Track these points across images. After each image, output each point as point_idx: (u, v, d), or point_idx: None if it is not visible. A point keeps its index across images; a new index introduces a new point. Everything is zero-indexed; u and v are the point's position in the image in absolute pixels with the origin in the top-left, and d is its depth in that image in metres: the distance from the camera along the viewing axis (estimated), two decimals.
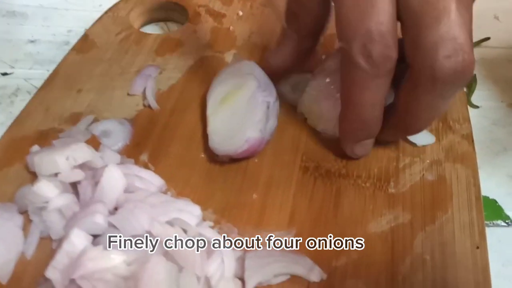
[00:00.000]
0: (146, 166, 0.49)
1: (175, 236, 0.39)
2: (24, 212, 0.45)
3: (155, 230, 0.39)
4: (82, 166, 0.46)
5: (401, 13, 0.38)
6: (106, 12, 0.68)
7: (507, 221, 0.48)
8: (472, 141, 0.51)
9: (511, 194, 0.51)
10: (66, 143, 0.46)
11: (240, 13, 0.68)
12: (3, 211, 0.43)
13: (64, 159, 0.43)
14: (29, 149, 0.49)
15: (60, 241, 0.41)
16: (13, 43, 0.70)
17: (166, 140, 0.52)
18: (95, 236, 0.41)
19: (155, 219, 0.40)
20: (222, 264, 0.39)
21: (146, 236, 0.39)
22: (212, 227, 0.44)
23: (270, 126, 0.49)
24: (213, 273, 0.38)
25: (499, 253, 0.46)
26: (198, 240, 0.40)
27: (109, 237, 0.40)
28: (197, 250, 0.38)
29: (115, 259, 0.38)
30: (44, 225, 0.43)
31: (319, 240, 0.43)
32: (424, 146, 0.51)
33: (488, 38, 0.68)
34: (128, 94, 0.57)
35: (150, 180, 0.45)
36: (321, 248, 0.43)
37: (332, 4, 0.41)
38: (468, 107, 0.57)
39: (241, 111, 0.48)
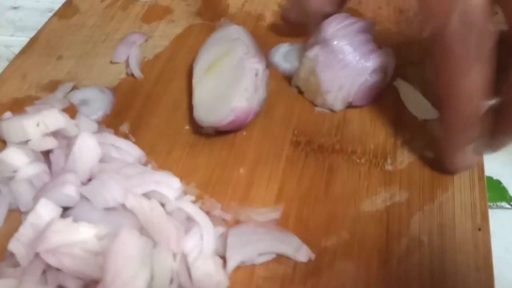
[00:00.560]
0: (126, 137, 0.45)
1: (151, 210, 0.36)
2: None
3: (129, 202, 0.36)
4: (56, 135, 0.43)
5: None
6: None
7: (511, 203, 0.45)
8: None
9: None
10: (39, 109, 0.43)
11: None
12: None
13: (34, 125, 0.40)
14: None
15: None
16: None
17: (149, 110, 0.49)
18: (66, 209, 0.38)
19: (130, 191, 0.37)
20: (200, 241, 0.36)
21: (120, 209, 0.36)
22: (194, 202, 0.40)
23: (259, 96, 0.45)
24: (191, 250, 0.35)
25: (502, 237, 0.43)
26: (175, 215, 0.37)
27: (81, 209, 0.37)
28: (174, 225, 0.35)
29: (84, 233, 0.35)
30: (12, 196, 0.40)
31: (308, 218, 0.40)
32: (425, 120, 0.47)
33: None
34: (111, 62, 0.54)
35: (128, 150, 0.42)
36: (310, 227, 0.40)
37: None
38: None
39: (228, 79, 0.45)
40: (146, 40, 0.56)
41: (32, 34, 0.60)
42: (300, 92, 0.50)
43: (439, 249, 0.38)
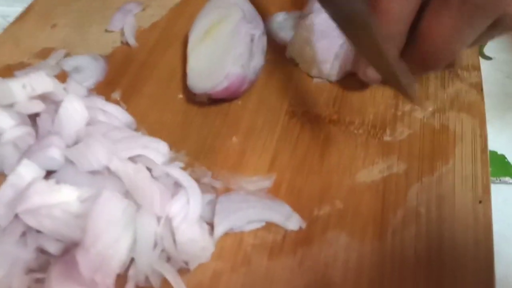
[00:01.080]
0: (117, 104, 0.44)
1: (135, 172, 0.34)
2: None
3: (113, 165, 0.35)
4: (45, 100, 0.41)
5: None
6: None
7: None
8: (481, 90, 0.46)
9: None
10: (27, 73, 0.42)
11: None
12: None
13: (20, 87, 0.39)
14: None
15: None
16: None
17: (142, 79, 0.48)
18: (50, 173, 0.37)
19: (116, 155, 0.36)
20: (186, 205, 0.34)
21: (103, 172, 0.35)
22: (184, 169, 0.39)
23: (254, 64, 0.43)
24: (176, 214, 0.34)
25: (505, 213, 0.41)
26: (162, 180, 0.36)
27: (65, 172, 0.36)
28: (159, 188, 0.34)
29: (66, 195, 0.34)
30: None
31: (301, 188, 0.39)
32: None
33: None
34: (106, 31, 0.53)
35: (116, 114, 0.40)
36: (302, 196, 0.38)
37: None
38: (480, 58, 0.51)
39: (223, 45, 0.43)
40: (143, 9, 0.55)
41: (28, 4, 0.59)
42: (295, 64, 0.48)
43: (437, 221, 0.37)
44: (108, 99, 0.45)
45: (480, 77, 0.47)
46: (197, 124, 0.44)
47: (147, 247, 0.33)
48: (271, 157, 0.41)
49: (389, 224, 0.37)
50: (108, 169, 0.36)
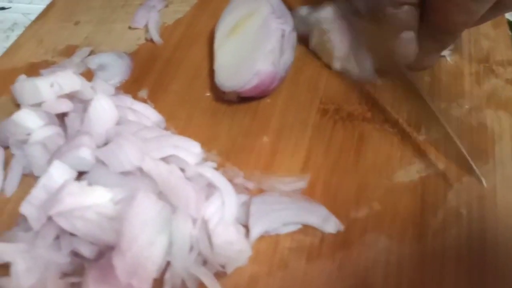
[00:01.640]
0: (145, 103, 0.43)
1: (169, 173, 0.33)
2: (7, 148, 0.40)
3: (146, 165, 0.34)
4: (73, 99, 0.41)
5: None
6: None
7: None
8: None
9: None
10: (54, 71, 0.41)
11: None
12: None
13: (48, 86, 0.38)
14: None
15: None
16: None
17: (168, 76, 0.47)
18: (81, 174, 0.36)
19: (148, 155, 0.35)
20: (222, 207, 0.34)
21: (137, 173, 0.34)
22: (215, 169, 0.38)
23: (285, 60, 0.42)
24: (211, 216, 0.33)
25: None
26: (195, 181, 0.35)
27: (96, 173, 0.35)
28: (194, 189, 0.33)
29: (99, 197, 0.33)
30: (26, 160, 0.38)
31: (337, 189, 0.37)
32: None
33: None
34: (130, 28, 0.52)
35: (145, 113, 0.39)
36: (338, 198, 0.37)
37: None
38: None
39: (252, 41, 0.42)
40: (166, 6, 0.54)
41: (50, 2, 0.58)
42: (318, 57, 0.47)
43: (478, 222, 0.35)
44: (135, 97, 0.44)
45: None
46: (226, 123, 0.43)
47: (183, 250, 0.32)
48: (304, 157, 0.40)
49: (429, 225, 0.36)
50: (139, 169, 0.35)
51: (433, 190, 0.37)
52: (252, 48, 0.42)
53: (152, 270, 0.30)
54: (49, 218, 0.32)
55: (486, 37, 0.49)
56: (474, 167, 0.37)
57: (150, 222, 0.31)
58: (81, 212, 0.32)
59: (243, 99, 0.43)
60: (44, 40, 0.51)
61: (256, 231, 0.34)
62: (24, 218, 0.34)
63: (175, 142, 0.36)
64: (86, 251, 0.32)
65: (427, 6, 0.36)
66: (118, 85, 0.46)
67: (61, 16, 0.53)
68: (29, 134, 0.38)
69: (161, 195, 0.34)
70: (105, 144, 0.37)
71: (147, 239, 0.31)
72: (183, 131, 0.42)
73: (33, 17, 0.58)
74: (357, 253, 0.34)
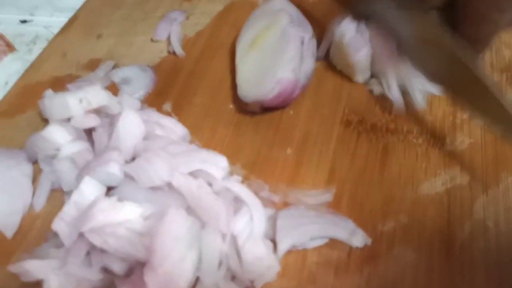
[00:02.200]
0: (169, 116, 0.44)
1: (198, 188, 0.34)
2: (35, 163, 0.41)
3: (175, 181, 0.34)
4: (99, 113, 0.41)
5: None
6: None
7: None
8: None
9: None
10: (81, 86, 0.42)
11: None
12: (7, 157, 0.39)
13: (77, 101, 0.39)
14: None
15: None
16: None
17: (191, 89, 0.47)
18: (110, 189, 0.37)
19: (176, 170, 0.35)
20: (251, 222, 0.34)
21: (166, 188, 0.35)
22: (241, 183, 0.38)
23: (305, 68, 0.42)
24: (240, 231, 0.33)
25: None
26: (222, 195, 0.35)
27: (125, 188, 0.36)
28: (223, 205, 0.33)
29: (130, 212, 0.33)
30: (55, 175, 0.39)
31: (363, 201, 0.38)
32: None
33: None
34: (152, 40, 0.52)
35: (172, 128, 0.40)
36: (365, 210, 0.37)
37: None
38: None
39: (272, 51, 0.42)
40: (187, 18, 0.54)
41: (71, 14, 0.59)
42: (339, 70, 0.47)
43: (506, 235, 0.35)
44: (160, 110, 0.44)
45: None
46: (250, 135, 0.43)
47: (213, 266, 0.32)
48: (328, 169, 0.40)
49: (456, 238, 0.36)
50: (168, 184, 0.35)
51: (459, 202, 0.37)
52: (272, 58, 0.42)
53: (183, 286, 0.31)
54: (80, 235, 0.33)
55: (507, 46, 0.49)
56: None
57: (181, 238, 0.31)
58: (112, 229, 0.32)
59: (266, 109, 0.44)
60: (68, 53, 0.51)
61: (284, 246, 0.34)
62: (54, 234, 0.35)
63: (203, 156, 0.37)
64: (117, 267, 0.32)
65: (457, 16, 0.37)
66: (142, 98, 0.46)
67: (84, 30, 0.54)
68: (58, 149, 0.39)
69: (190, 210, 0.34)
70: (133, 159, 0.38)
71: (179, 255, 0.31)
72: (207, 144, 0.42)
73: (54, 30, 0.59)
74: (384, 266, 0.34)
